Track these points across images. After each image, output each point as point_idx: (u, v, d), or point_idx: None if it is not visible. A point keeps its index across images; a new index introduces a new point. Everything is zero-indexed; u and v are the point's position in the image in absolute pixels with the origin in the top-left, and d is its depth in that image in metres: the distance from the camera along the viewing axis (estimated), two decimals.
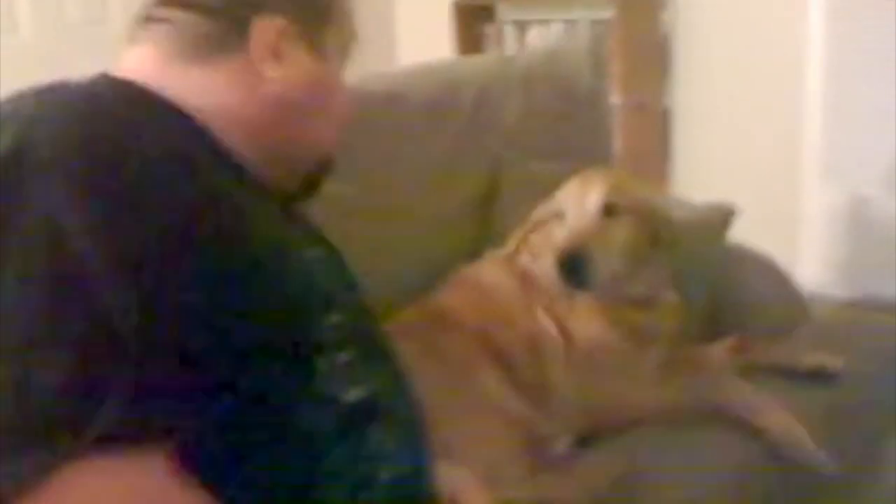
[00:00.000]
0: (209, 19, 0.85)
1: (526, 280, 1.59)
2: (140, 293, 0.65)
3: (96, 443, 0.61)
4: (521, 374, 1.47)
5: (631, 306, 1.56)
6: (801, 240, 3.20)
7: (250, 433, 0.72)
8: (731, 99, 3.33)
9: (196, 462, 0.68)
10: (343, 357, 0.79)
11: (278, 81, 0.87)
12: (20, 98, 0.76)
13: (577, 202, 1.53)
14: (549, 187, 1.62)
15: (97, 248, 0.64)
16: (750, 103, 3.27)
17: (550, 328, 1.52)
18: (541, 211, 1.61)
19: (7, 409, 0.60)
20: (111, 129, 0.73)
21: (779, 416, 1.36)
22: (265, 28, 0.86)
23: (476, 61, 2.23)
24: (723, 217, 1.82)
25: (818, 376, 1.51)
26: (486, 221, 1.82)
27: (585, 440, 1.45)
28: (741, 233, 1.87)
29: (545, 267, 1.52)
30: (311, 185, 0.97)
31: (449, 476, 1.00)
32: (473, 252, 1.72)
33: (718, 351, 1.62)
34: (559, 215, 1.55)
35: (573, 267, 1.43)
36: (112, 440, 0.62)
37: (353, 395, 0.79)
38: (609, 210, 1.51)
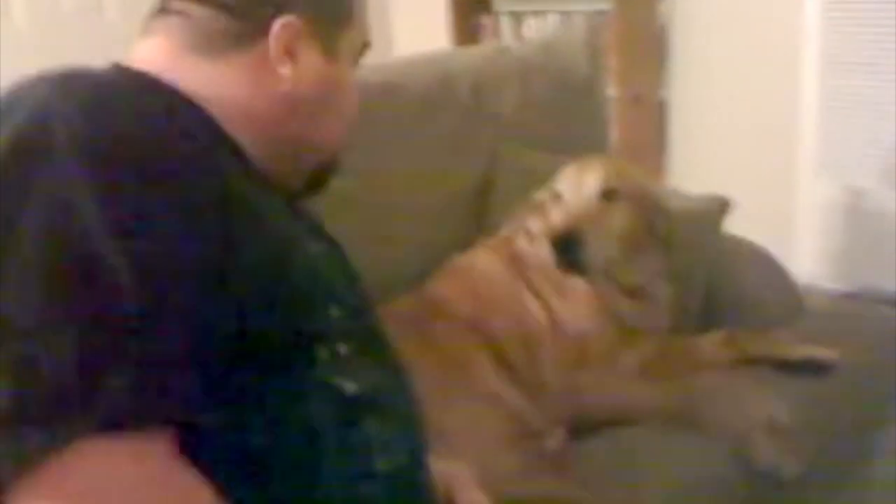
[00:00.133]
0: (226, 15, 0.86)
1: (517, 266, 1.59)
2: (149, 276, 0.65)
3: (98, 426, 0.61)
4: (514, 362, 1.48)
5: (624, 294, 1.56)
6: (797, 232, 3.21)
7: (250, 422, 0.72)
8: (728, 91, 3.33)
9: (196, 449, 0.68)
10: (343, 349, 0.79)
11: (290, 80, 0.87)
12: (32, 81, 0.76)
13: (575, 186, 1.54)
14: (545, 178, 1.63)
15: (108, 230, 0.65)
16: (746, 96, 3.27)
17: (539, 315, 1.53)
18: (539, 194, 1.62)
19: (10, 390, 0.61)
20: (125, 114, 0.73)
21: (740, 420, 1.36)
22: (284, 27, 0.86)
23: (472, 52, 2.23)
24: (718, 209, 1.82)
25: (811, 368, 1.51)
26: (483, 212, 1.82)
27: (578, 434, 1.45)
28: (737, 225, 1.87)
29: (541, 249, 1.53)
30: (316, 183, 0.97)
31: (445, 469, 1.00)
32: (469, 243, 1.72)
33: (710, 343, 1.62)
34: (556, 198, 1.56)
35: (568, 248, 1.43)
36: (114, 424, 0.62)
37: (351, 386, 0.79)
38: (606, 195, 1.52)
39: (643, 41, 3.40)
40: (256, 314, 0.72)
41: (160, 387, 0.64)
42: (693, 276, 1.77)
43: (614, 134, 2.89)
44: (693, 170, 3.41)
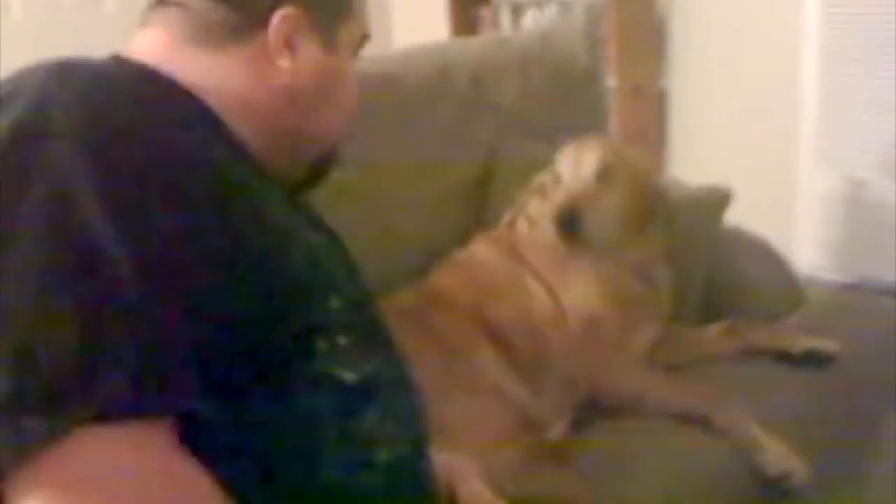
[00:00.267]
0: (225, 7, 0.85)
1: (519, 253, 1.59)
2: (148, 267, 0.65)
3: (98, 415, 0.61)
4: (516, 351, 1.48)
5: (625, 275, 1.56)
6: (797, 223, 3.20)
7: (250, 413, 0.72)
8: (728, 82, 3.32)
9: (196, 439, 0.68)
10: (343, 340, 0.79)
11: (289, 72, 0.87)
12: (30, 72, 0.76)
13: (573, 165, 1.55)
14: (544, 169, 1.62)
15: (107, 221, 0.65)
16: (746, 86, 3.26)
17: (544, 301, 1.53)
18: (540, 177, 1.62)
19: (10, 379, 0.61)
20: (123, 105, 0.73)
21: (747, 428, 1.36)
22: (283, 19, 0.85)
23: (471, 43, 2.22)
24: (719, 200, 1.82)
25: (812, 359, 1.51)
26: (482, 203, 1.82)
27: (580, 427, 1.45)
28: (737, 216, 1.87)
29: (544, 232, 1.53)
30: (315, 175, 0.97)
31: (447, 461, 1.00)
32: (469, 234, 1.72)
33: (711, 334, 1.62)
34: (557, 180, 1.57)
35: (570, 224, 1.45)
36: (114, 413, 0.62)
37: (351, 377, 0.79)
38: (604, 173, 1.53)
39: (643, 31, 3.39)
40: (256, 305, 0.71)
41: (159, 377, 0.64)
42: (694, 268, 1.77)
43: (614, 125, 2.88)
44: (693, 161, 3.40)
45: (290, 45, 0.86)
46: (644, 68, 3.40)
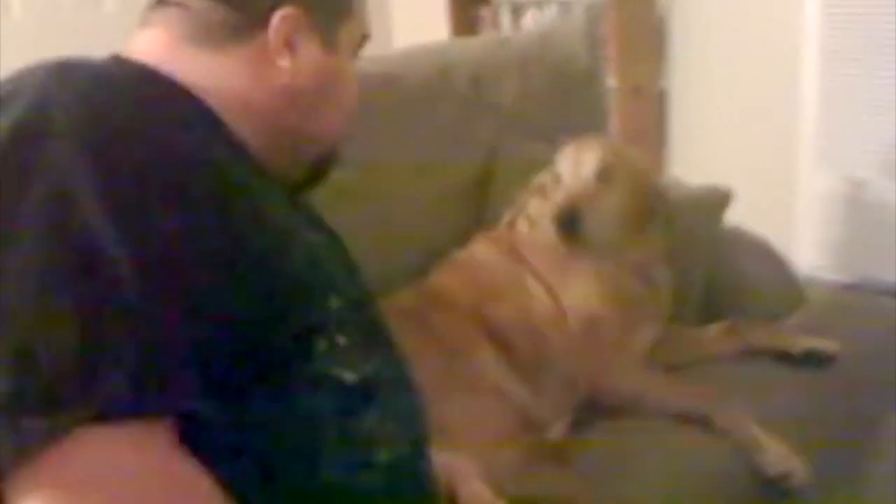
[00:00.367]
0: (225, 7, 0.85)
1: (519, 253, 1.59)
2: (148, 267, 0.65)
3: (98, 415, 0.61)
4: (516, 351, 1.48)
5: (625, 275, 1.57)
6: (797, 223, 3.20)
7: (250, 413, 0.72)
8: (728, 82, 3.32)
9: (196, 439, 0.68)
10: (342, 340, 0.79)
11: (289, 72, 0.87)
12: (30, 72, 0.76)
13: (573, 165, 1.55)
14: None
15: (107, 221, 0.65)
16: (746, 86, 3.26)
17: (544, 301, 1.53)
18: (541, 177, 1.63)
19: (10, 379, 0.61)
20: (123, 105, 0.73)
21: (747, 428, 1.36)
22: (283, 19, 0.85)
23: (471, 43, 2.22)
24: (719, 200, 1.82)
25: (813, 359, 1.51)
26: (482, 203, 1.82)
27: (580, 427, 1.45)
28: (737, 216, 1.87)
29: (543, 231, 1.53)
30: (315, 175, 0.97)
31: (447, 461, 1.00)
32: (469, 234, 1.72)
33: (711, 334, 1.62)
34: (557, 179, 1.57)
35: (570, 224, 1.46)
36: (114, 413, 0.62)
37: (351, 377, 0.79)
38: (604, 173, 1.53)
39: (643, 31, 3.39)
40: (256, 305, 0.71)
41: (159, 377, 0.64)
42: (694, 268, 1.77)
43: (614, 125, 2.88)
44: (693, 161, 3.40)
45: (290, 45, 0.86)
46: (644, 68, 3.40)
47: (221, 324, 0.69)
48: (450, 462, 1.03)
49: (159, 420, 0.65)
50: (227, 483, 0.69)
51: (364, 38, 0.97)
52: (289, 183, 0.92)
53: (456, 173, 1.81)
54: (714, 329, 1.63)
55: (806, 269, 2.58)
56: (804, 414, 1.44)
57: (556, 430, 1.44)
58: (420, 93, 1.79)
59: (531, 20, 3.69)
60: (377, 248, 1.45)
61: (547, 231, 1.51)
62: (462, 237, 1.71)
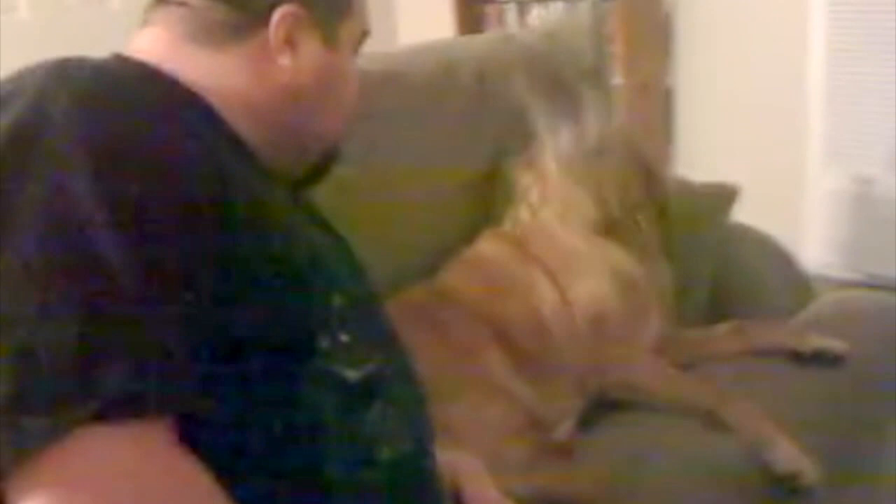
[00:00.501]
0: (225, 6, 0.85)
1: (526, 247, 1.59)
2: (147, 267, 0.65)
3: (98, 414, 0.61)
4: (524, 348, 1.47)
5: (630, 265, 1.56)
6: (804, 221, 3.20)
7: (251, 411, 0.72)
8: (735, 79, 3.31)
9: (196, 438, 0.68)
10: (345, 337, 0.79)
11: (290, 70, 0.87)
12: (30, 71, 0.76)
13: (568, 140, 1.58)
14: None
15: (106, 221, 0.64)
16: (753, 84, 3.26)
17: (551, 297, 1.52)
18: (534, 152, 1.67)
19: (9, 379, 0.61)
20: (124, 104, 0.73)
21: (757, 424, 1.35)
22: (284, 16, 0.85)
23: (477, 40, 2.22)
24: (725, 196, 1.81)
25: (822, 359, 1.50)
26: (490, 200, 1.81)
27: (586, 427, 1.44)
28: (745, 214, 1.86)
29: (546, 218, 1.54)
30: (316, 172, 0.97)
31: (453, 459, 1.00)
32: (477, 231, 1.71)
33: (719, 334, 1.61)
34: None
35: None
36: (114, 412, 0.62)
37: (353, 374, 0.79)
38: (599, 149, 1.55)
39: (649, 29, 3.39)
40: (257, 303, 0.71)
41: (159, 377, 0.64)
42: (700, 264, 1.76)
43: (620, 122, 2.87)
44: (700, 158, 3.40)
45: (291, 43, 0.86)
46: (650, 66, 3.39)
47: (221, 323, 0.68)
48: (456, 460, 1.02)
49: (159, 419, 0.65)
50: (228, 481, 0.69)
51: (364, 34, 0.97)
52: (290, 180, 0.92)
53: (462, 171, 1.81)
54: (721, 329, 1.62)
55: (813, 267, 2.58)
56: (813, 414, 1.43)
57: (563, 430, 1.44)
58: (425, 90, 1.78)
59: (537, 17, 3.68)
60: (383, 246, 1.45)
61: (549, 219, 1.52)
62: (469, 234, 1.70)
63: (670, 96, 3.48)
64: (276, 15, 0.85)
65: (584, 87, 1.85)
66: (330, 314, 0.79)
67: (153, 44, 0.85)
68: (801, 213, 3.21)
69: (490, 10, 3.79)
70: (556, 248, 1.55)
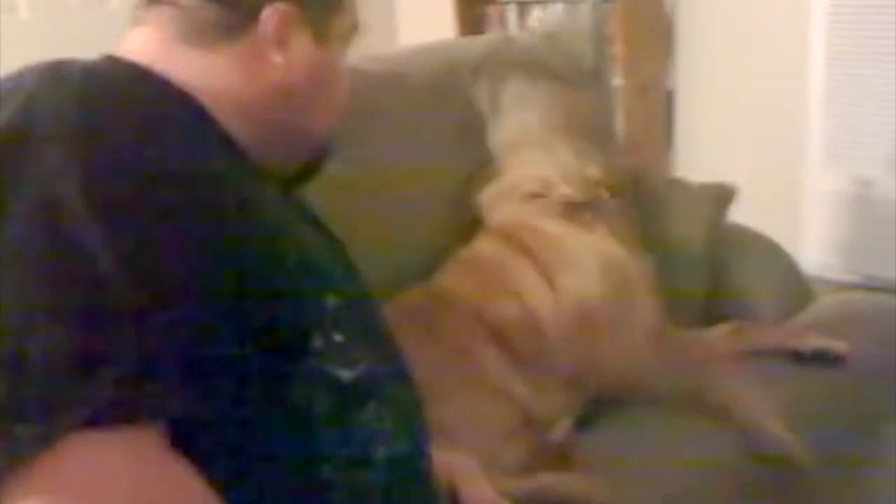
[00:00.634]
0: (218, 6, 0.85)
1: (521, 245, 1.59)
2: (139, 272, 0.65)
3: (91, 420, 0.61)
4: (520, 350, 1.47)
5: (619, 250, 1.57)
6: (804, 222, 3.20)
7: (245, 411, 0.72)
8: (734, 81, 3.31)
9: (190, 440, 0.68)
10: (339, 337, 0.79)
11: (281, 67, 0.86)
12: (22, 74, 0.76)
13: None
14: None
15: (97, 227, 0.64)
16: (753, 85, 3.26)
17: (544, 295, 1.52)
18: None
19: (4, 384, 0.61)
20: (115, 104, 0.73)
21: (755, 404, 1.35)
22: (275, 14, 0.85)
23: (477, 42, 2.22)
24: (723, 196, 1.81)
25: (822, 359, 1.50)
26: None
27: (584, 426, 1.44)
28: (744, 215, 1.86)
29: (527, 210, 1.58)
30: (308, 170, 0.97)
31: (449, 459, 1.00)
32: (475, 234, 1.71)
33: (717, 335, 1.61)
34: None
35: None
36: (106, 418, 0.62)
37: (347, 374, 0.79)
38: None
39: (649, 30, 3.39)
40: (249, 305, 0.71)
41: (151, 382, 0.64)
42: (697, 263, 1.76)
43: (620, 124, 2.88)
44: (699, 160, 3.40)
45: (282, 41, 0.86)
46: (650, 67, 3.39)
47: (214, 326, 0.68)
48: (452, 461, 1.02)
49: (151, 424, 0.65)
50: (223, 482, 0.69)
51: (354, 27, 0.96)
52: (282, 179, 0.92)
53: (463, 171, 1.81)
54: (721, 329, 1.62)
55: (812, 269, 2.58)
56: (813, 414, 1.43)
57: (561, 429, 1.44)
58: (426, 91, 1.78)
59: (537, 19, 3.68)
60: (383, 246, 1.45)
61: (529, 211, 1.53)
62: (468, 234, 1.70)
63: (670, 98, 3.48)
64: (267, 13, 0.85)
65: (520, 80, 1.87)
66: (323, 314, 0.78)
67: (145, 44, 0.85)
68: (801, 215, 3.21)
69: (491, 11, 3.79)
70: (543, 239, 1.56)
